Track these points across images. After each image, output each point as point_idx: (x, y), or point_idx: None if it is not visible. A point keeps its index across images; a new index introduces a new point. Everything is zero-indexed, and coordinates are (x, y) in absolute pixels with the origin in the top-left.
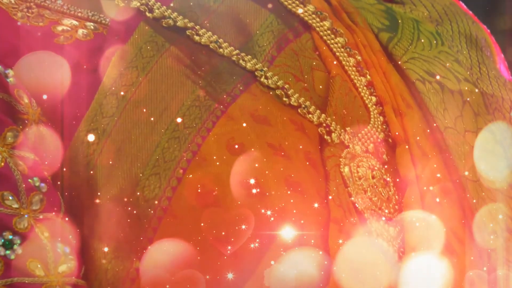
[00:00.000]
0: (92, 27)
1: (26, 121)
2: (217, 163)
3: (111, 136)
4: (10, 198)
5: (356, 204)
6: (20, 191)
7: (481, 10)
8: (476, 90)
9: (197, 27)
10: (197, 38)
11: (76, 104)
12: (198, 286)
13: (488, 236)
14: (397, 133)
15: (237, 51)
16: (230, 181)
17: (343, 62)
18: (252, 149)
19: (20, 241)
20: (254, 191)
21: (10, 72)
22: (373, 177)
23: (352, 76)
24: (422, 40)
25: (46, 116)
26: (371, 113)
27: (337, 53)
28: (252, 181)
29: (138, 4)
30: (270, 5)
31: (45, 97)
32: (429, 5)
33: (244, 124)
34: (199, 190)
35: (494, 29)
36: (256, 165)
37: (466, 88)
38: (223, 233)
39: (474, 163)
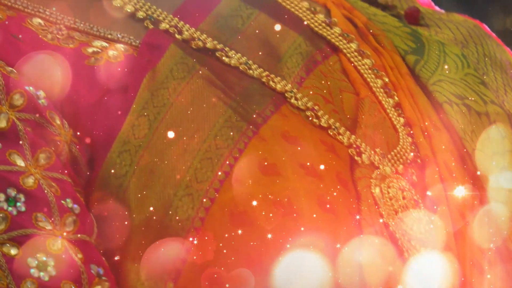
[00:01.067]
0: (122, 49)
1: (59, 143)
2: (250, 184)
3: (144, 157)
4: (43, 219)
5: (387, 225)
6: (53, 212)
7: (482, 10)
8: (503, 112)
9: (226, 48)
10: (226, 59)
11: (107, 125)
12: None
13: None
14: (426, 154)
15: (267, 72)
16: (262, 202)
17: (371, 84)
18: (284, 170)
19: (53, 263)
20: (286, 211)
21: (41, 93)
22: (403, 198)
23: (380, 98)
24: (449, 63)
25: (78, 138)
26: (400, 134)
27: (365, 75)
28: (284, 201)
29: (167, 26)
30: (297, 27)
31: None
32: (454, 28)
33: (276, 145)
34: (232, 211)
35: (494, 29)
36: (289, 185)
37: (493, 110)
38: (256, 252)
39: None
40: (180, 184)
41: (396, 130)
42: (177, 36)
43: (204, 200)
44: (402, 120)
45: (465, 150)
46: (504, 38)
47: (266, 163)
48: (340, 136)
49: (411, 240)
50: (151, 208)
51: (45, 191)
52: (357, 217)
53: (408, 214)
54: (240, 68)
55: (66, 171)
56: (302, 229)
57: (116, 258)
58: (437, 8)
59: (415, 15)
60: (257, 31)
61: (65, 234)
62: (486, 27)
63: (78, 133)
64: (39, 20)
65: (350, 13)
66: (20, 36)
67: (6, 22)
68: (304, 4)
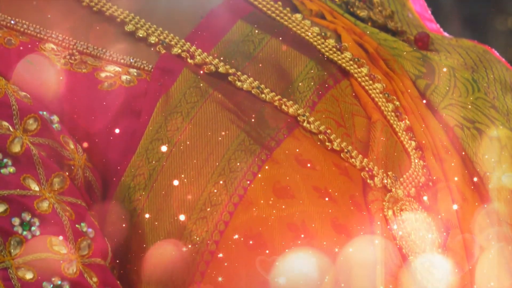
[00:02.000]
0: (135, 73)
1: (73, 167)
2: (264, 207)
3: (157, 181)
4: (58, 243)
5: (401, 247)
6: (68, 236)
7: (483, 10)
8: None
9: (239, 73)
10: (239, 84)
11: (121, 149)
12: None
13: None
14: (437, 178)
15: (279, 96)
16: (277, 224)
17: (382, 108)
18: (298, 192)
19: (69, 287)
20: (301, 233)
21: (55, 118)
22: (416, 221)
23: (392, 121)
24: (459, 87)
25: (92, 162)
26: (412, 157)
27: (376, 99)
28: (299, 223)
29: (180, 50)
30: (309, 52)
31: (85, 144)
32: (464, 53)
33: (290, 168)
34: (246, 234)
35: (494, 29)
36: (303, 208)
37: (504, 133)
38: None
39: None
40: (194, 207)
41: (408, 154)
42: (189, 60)
43: (219, 223)
44: (413, 143)
45: (476, 173)
46: (504, 38)
47: (280, 186)
48: (353, 160)
49: (424, 262)
50: (165, 232)
51: (60, 215)
52: (371, 239)
53: (420, 236)
54: (253, 92)
55: (80, 195)
56: (316, 251)
57: (132, 281)
58: (446, 34)
59: (425, 40)
60: (268, 56)
61: (80, 258)
62: (495, 52)
63: (92, 157)
64: (52, 45)
65: (361, 39)
66: (33, 61)
67: (20, 48)
68: (314, 29)
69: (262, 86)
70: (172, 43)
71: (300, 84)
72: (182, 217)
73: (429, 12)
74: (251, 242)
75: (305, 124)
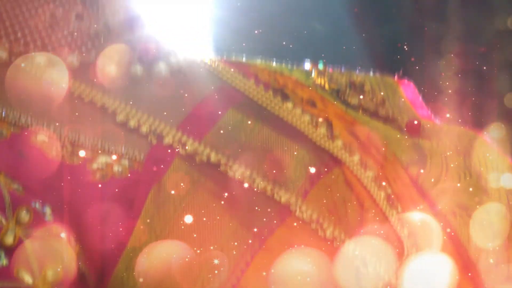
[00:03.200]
0: (127, 164)
1: (66, 258)
2: None
3: (149, 276)
4: None
5: None
6: None
7: (483, 10)
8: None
9: (231, 162)
10: (231, 173)
11: (114, 240)
12: None
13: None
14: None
15: (271, 185)
16: None
17: (374, 195)
18: (291, 281)
19: None
20: None
21: (47, 210)
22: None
23: (384, 209)
24: (451, 173)
25: (85, 253)
26: (405, 245)
27: (368, 186)
28: None
29: (171, 140)
30: (300, 141)
31: (78, 236)
32: (455, 139)
33: (282, 257)
34: None
35: (494, 29)
36: None
37: (498, 219)
38: None
39: None
40: None
41: (401, 241)
42: (181, 150)
43: None
44: (406, 231)
45: (469, 259)
46: (504, 38)
47: (273, 275)
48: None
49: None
50: None
51: None
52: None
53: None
54: (245, 181)
55: (74, 287)
56: None
57: None
58: (437, 120)
59: (416, 128)
60: (260, 145)
61: None
62: (487, 137)
63: (85, 248)
64: (43, 137)
65: (352, 126)
66: (24, 153)
67: (11, 139)
68: (305, 118)
69: (254, 175)
70: (164, 132)
71: (292, 172)
72: None
73: (420, 98)
74: None
75: (297, 212)
